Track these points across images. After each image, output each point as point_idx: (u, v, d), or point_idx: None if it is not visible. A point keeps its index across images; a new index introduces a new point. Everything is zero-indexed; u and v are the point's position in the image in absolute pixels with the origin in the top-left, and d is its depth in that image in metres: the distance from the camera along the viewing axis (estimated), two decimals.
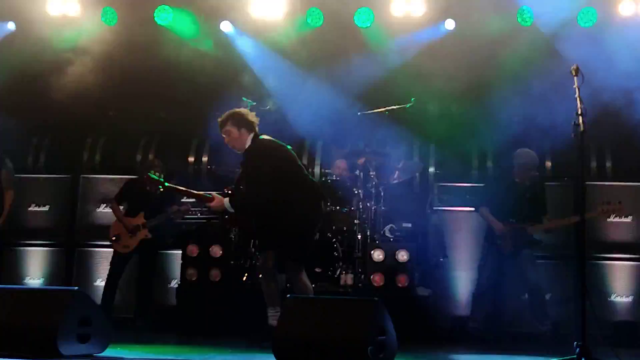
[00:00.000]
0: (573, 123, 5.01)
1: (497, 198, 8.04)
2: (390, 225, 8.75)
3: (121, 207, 8.64)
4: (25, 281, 9.46)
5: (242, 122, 6.45)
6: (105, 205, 9.44)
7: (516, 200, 7.97)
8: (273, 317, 6.05)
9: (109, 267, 8.64)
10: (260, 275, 6.57)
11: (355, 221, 8.40)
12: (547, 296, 8.17)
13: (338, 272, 8.17)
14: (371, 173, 8.59)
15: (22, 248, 9.66)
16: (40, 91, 10.54)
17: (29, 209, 9.72)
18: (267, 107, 8.97)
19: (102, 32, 10.58)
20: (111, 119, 10.70)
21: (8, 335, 4.75)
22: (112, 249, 8.68)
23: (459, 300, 8.78)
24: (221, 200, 6.32)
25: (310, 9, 10.34)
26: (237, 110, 6.63)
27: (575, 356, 4.67)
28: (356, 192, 8.51)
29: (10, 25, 10.58)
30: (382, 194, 8.65)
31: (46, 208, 9.77)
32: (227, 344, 5.21)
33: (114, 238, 8.57)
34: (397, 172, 8.85)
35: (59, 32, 10.43)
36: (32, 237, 9.70)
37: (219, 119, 6.53)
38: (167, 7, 10.47)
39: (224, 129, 6.45)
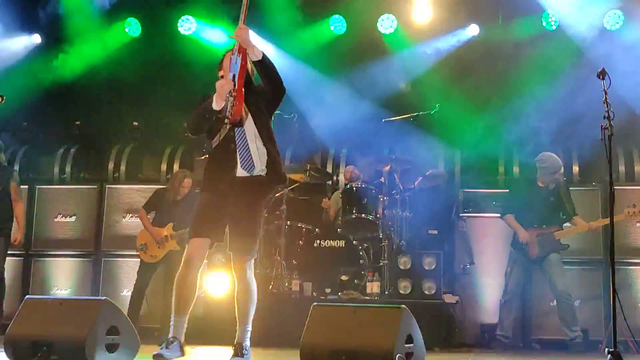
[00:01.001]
0: (601, 126, 4.99)
1: (521, 204, 8.02)
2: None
3: (149, 217, 8.70)
4: (53, 291, 9.52)
5: None
6: (131, 215, 9.52)
7: (540, 204, 7.94)
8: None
9: (135, 276, 8.70)
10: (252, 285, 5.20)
11: (381, 228, 8.42)
12: (576, 302, 8.12)
13: (364, 280, 8.18)
14: (396, 180, 8.60)
15: (49, 259, 9.76)
16: (65, 102, 10.67)
17: (56, 219, 9.80)
18: (292, 116, 9.01)
19: (127, 42, 10.71)
20: (136, 130, 10.78)
21: (38, 344, 4.79)
22: (138, 259, 8.73)
23: (487, 307, 8.74)
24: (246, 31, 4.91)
25: (333, 16, 10.40)
26: None
27: None
28: (381, 199, 8.51)
29: (37, 38, 10.72)
30: (407, 200, 8.65)
31: (72, 219, 9.84)
32: (255, 351, 5.22)
33: (140, 247, 8.63)
34: (421, 178, 8.84)
35: (84, 44, 10.57)
36: (59, 248, 9.77)
37: None
38: (190, 17, 10.57)
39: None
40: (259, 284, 8.04)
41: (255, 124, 5.08)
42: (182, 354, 4.92)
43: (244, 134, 5.07)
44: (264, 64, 5.01)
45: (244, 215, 5.03)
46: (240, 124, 5.02)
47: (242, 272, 5.06)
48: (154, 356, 4.69)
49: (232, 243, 5.05)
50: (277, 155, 5.20)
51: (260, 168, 5.08)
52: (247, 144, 5.05)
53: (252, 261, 5.15)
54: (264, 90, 5.15)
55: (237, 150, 5.03)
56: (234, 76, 4.91)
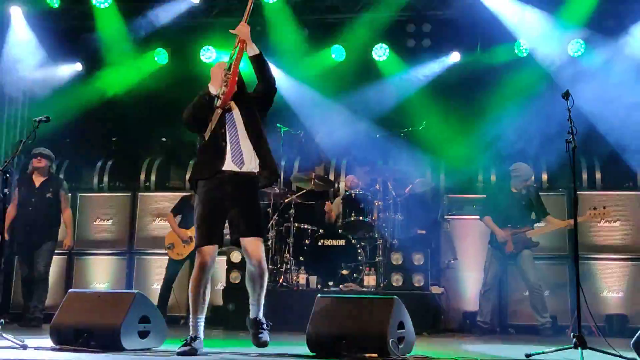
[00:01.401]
0: (566, 141, 5.00)
1: (498, 207, 8.03)
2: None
3: (175, 220, 8.70)
4: (92, 286, 9.55)
5: None
6: (160, 218, 9.53)
7: (514, 207, 7.96)
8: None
9: (164, 272, 8.70)
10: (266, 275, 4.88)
11: (376, 229, 8.41)
12: (546, 292, 8.11)
13: (362, 274, 8.17)
14: (389, 187, 8.61)
15: (89, 257, 9.78)
16: (103, 121, 10.71)
17: (95, 223, 9.85)
18: (299, 132, 9.03)
19: (156, 69, 10.75)
20: (164, 145, 10.79)
21: (79, 331, 4.80)
22: (167, 257, 8.74)
23: (468, 297, 8.74)
24: (247, 28, 4.79)
25: (333, 46, 10.43)
26: None
27: (572, 345, 4.63)
28: (376, 203, 8.52)
29: (78, 66, 10.76)
30: (398, 205, 8.66)
31: (109, 222, 9.87)
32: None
33: (168, 246, 8.64)
34: (411, 186, 8.84)
35: (119, 70, 10.62)
36: (97, 248, 9.80)
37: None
38: (210, 47, 10.61)
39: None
40: (273, 278, 8.11)
41: (245, 123, 4.80)
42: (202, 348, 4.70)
43: (236, 131, 4.78)
44: (260, 60, 4.83)
45: (249, 207, 4.74)
46: (229, 109, 4.75)
47: (260, 253, 4.73)
48: (178, 354, 4.49)
49: (249, 228, 4.69)
50: (268, 153, 4.86)
51: (251, 165, 4.77)
52: (239, 141, 4.76)
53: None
54: (256, 94, 4.94)
55: (229, 146, 4.72)
56: (229, 65, 4.71)
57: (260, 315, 4.89)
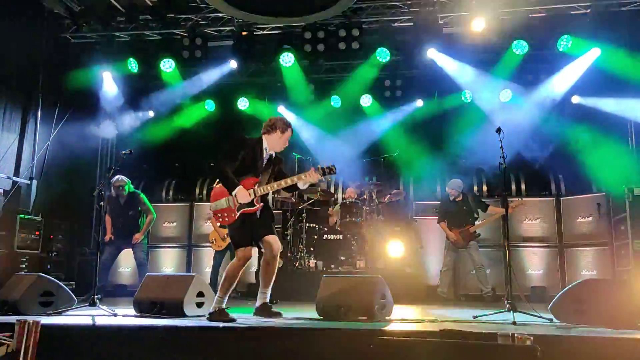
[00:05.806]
0: (499, 162, 5.03)
1: (447, 214, 8.04)
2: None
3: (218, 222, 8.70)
4: (162, 270, 9.56)
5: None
6: (209, 221, 9.54)
7: (457, 212, 7.95)
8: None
9: (212, 260, 8.70)
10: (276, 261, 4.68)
11: (364, 227, 8.42)
12: (488, 271, 8.10)
13: (355, 259, 8.16)
14: (374, 197, 8.62)
15: (160, 249, 9.78)
16: (169, 152, 10.75)
17: (163, 224, 9.85)
18: (308, 158, 9.06)
19: (206, 114, 10.81)
20: (211, 168, 10.84)
21: (154, 303, 4.80)
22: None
23: (431, 275, 8.73)
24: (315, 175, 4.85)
25: (332, 96, 10.48)
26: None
27: (506, 309, 4.63)
28: (365, 209, 8.53)
29: (150, 113, 10.84)
30: (380, 209, 8.67)
31: (174, 224, 9.88)
32: (287, 304, 5.21)
33: (211, 241, 8.64)
34: (389, 195, 8.86)
35: (180, 115, 10.69)
36: (166, 243, 9.81)
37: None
38: (244, 98, 10.69)
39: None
40: (290, 263, 8.08)
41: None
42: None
43: None
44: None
45: (269, 214, 4.76)
46: None
47: (278, 252, 4.65)
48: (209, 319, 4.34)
49: (270, 229, 4.66)
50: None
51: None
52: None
53: None
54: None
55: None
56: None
57: (268, 300, 4.67)
